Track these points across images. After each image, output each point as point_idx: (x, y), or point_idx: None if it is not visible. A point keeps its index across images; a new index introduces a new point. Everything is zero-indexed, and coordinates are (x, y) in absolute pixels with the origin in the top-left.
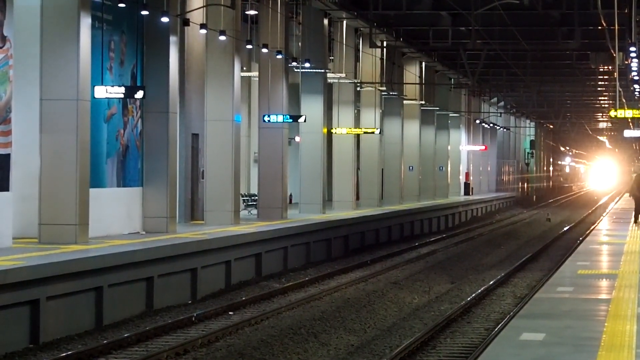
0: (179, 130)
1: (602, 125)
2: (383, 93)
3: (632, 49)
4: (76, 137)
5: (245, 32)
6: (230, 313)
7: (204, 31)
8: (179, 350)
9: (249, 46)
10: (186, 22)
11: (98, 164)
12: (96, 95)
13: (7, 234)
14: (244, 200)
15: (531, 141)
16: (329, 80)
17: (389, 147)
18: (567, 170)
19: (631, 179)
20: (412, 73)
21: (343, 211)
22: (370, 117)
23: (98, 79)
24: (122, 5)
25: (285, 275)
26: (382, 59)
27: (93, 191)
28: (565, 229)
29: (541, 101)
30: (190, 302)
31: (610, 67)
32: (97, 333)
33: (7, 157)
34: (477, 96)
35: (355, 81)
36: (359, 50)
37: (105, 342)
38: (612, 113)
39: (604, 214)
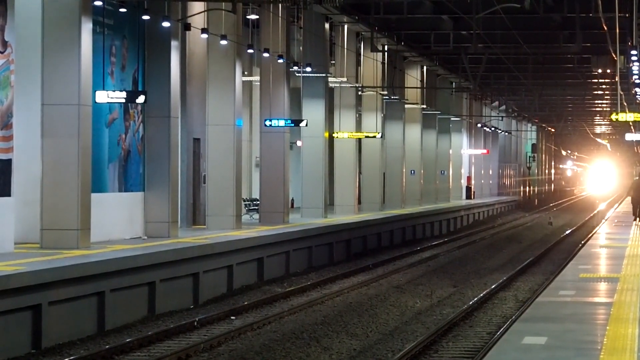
0: (180, 134)
1: (603, 128)
2: (384, 97)
3: (633, 52)
4: (78, 142)
5: (246, 36)
6: (232, 317)
7: (205, 36)
8: (181, 355)
9: (251, 50)
10: (187, 27)
11: (100, 169)
12: (97, 100)
13: (9, 239)
14: (245, 204)
15: (533, 145)
16: (331, 85)
17: (391, 151)
18: (569, 173)
19: (633, 182)
20: (414, 77)
21: (345, 215)
22: (372, 121)
23: (99, 83)
24: (123, 10)
25: (287, 279)
26: (383, 63)
27: (95, 196)
28: (567, 232)
29: (543, 105)
30: (192, 306)
31: (610, 71)
32: (99, 338)
33: (9, 162)
34: (479, 100)
35: (357, 85)
36: (360, 54)
37: (107, 347)
38: (614, 116)
39: (605, 218)
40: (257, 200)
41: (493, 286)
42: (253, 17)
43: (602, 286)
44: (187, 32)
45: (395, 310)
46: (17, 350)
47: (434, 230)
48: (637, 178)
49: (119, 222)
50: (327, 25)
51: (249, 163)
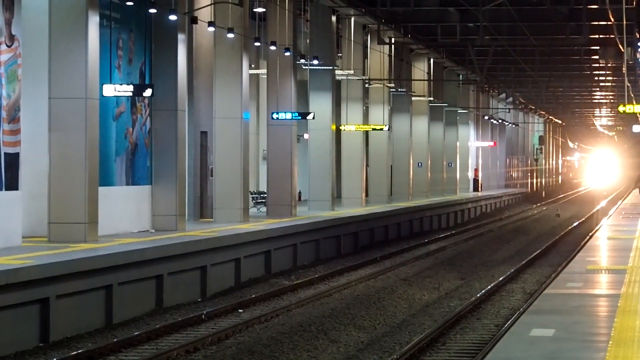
0: (187, 128)
1: (607, 121)
2: (391, 90)
3: None
4: (85, 136)
5: (253, 29)
6: (240, 310)
7: (212, 29)
8: (189, 348)
9: (257, 43)
10: (194, 20)
11: (107, 163)
12: (105, 94)
13: (16, 232)
14: (253, 197)
15: (540, 137)
16: (338, 77)
17: (398, 144)
18: (577, 165)
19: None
20: (421, 69)
21: (352, 208)
22: (379, 114)
23: (106, 77)
24: (130, 3)
25: (295, 272)
26: (390, 55)
27: (102, 189)
28: (574, 224)
29: (549, 97)
30: (200, 299)
31: (613, 63)
32: (107, 331)
33: (16, 155)
34: (486, 92)
35: (364, 78)
36: (367, 47)
37: (115, 340)
38: (621, 108)
39: (613, 209)
40: (265, 193)
41: (501, 278)
42: (260, 10)
43: (610, 278)
44: (194, 25)
45: (402, 303)
46: (25, 344)
47: (441, 223)
48: None
49: (126, 216)
50: (333, 18)
51: (256, 156)
